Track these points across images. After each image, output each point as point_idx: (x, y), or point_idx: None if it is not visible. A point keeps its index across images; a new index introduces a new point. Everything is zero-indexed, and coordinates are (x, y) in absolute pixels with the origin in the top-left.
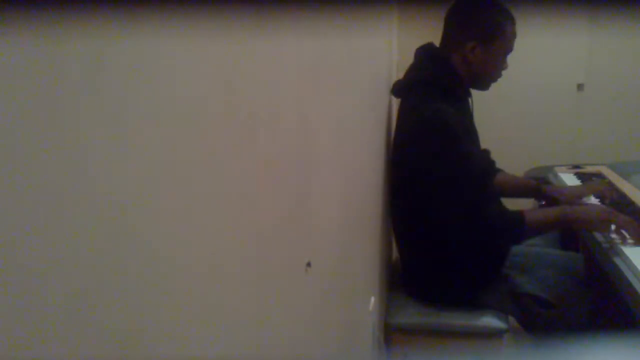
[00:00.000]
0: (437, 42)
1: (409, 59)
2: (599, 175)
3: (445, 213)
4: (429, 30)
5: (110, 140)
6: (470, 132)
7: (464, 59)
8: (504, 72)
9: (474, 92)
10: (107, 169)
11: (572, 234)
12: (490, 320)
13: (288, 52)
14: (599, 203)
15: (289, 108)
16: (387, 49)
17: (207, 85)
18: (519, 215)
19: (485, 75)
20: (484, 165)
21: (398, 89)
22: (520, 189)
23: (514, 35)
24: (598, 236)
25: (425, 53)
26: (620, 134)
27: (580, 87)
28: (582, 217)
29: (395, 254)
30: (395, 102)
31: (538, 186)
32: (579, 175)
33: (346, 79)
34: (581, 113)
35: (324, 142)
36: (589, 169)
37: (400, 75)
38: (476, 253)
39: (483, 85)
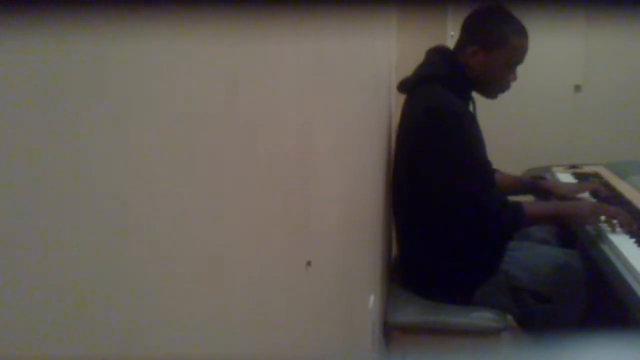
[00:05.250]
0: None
1: (408, 60)
2: (596, 176)
3: (449, 201)
4: (428, 32)
5: (111, 141)
6: (476, 128)
7: (466, 63)
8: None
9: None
10: (108, 170)
11: (568, 230)
12: (488, 319)
13: (288, 52)
14: (593, 199)
15: (289, 109)
16: (387, 50)
17: (207, 86)
18: (518, 205)
19: (486, 82)
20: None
21: (404, 85)
22: (517, 186)
23: (521, 48)
24: (589, 228)
25: (436, 52)
26: (617, 135)
27: (577, 88)
28: (574, 212)
29: (394, 251)
30: (398, 102)
31: (534, 182)
32: (577, 176)
33: (346, 79)
34: (578, 114)
35: (324, 142)
36: (587, 170)
37: (400, 76)
38: (475, 246)
39: (487, 92)
